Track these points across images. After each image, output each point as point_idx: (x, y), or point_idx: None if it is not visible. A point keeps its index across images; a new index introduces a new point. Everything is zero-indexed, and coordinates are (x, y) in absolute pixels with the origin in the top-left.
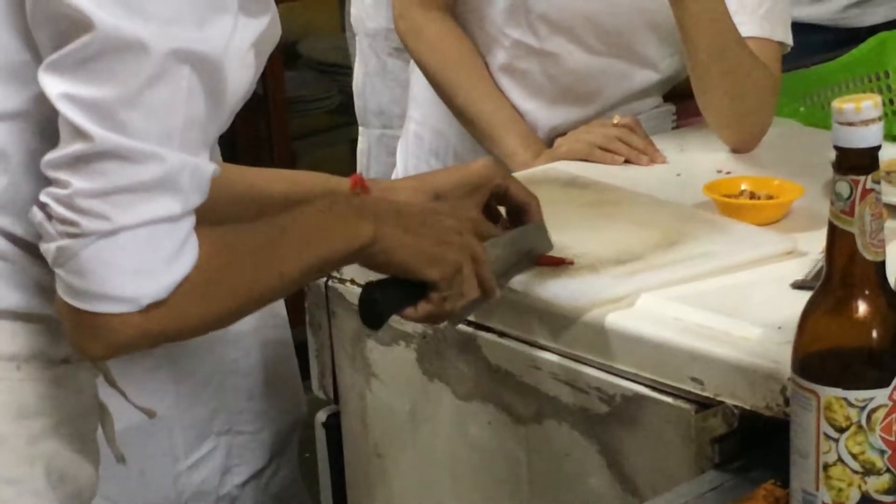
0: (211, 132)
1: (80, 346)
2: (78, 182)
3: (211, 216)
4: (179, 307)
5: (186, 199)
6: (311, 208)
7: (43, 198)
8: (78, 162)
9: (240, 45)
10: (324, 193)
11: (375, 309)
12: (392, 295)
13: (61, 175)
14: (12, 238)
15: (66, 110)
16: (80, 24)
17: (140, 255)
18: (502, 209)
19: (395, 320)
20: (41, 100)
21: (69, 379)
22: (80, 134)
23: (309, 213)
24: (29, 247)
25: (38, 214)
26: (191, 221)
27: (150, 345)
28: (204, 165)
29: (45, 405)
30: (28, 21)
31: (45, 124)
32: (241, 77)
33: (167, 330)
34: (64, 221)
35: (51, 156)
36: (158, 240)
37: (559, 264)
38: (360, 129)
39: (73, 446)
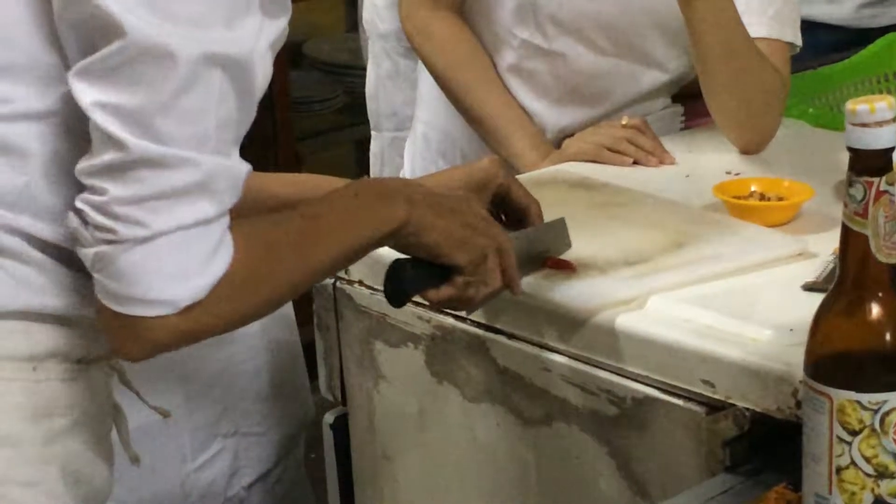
0: (241, 131)
1: (120, 347)
2: (114, 189)
3: None
4: (216, 306)
5: (221, 201)
6: (340, 195)
7: (79, 204)
8: (113, 170)
9: (260, 46)
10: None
11: (402, 285)
12: (418, 274)
13: (97, 182)
14: (31, 239)
15: (99, 118)
16: (110, 30)
17: (176, 259)
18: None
19: (403, 322)
20: (65, 101)
21: (84, 380)
22: (114, 142)
23: (339, 200)
24: (48, 248)
25: (73, 220)
26: (225, 222)
27: (187, 343)
28: (238, 166)
29: (61, 406)
30: (56, 23)
31: (67, 125)
32: (260, 78)
33: (206, 329)
34: (101, 228)
35: (84, 163)
36: (194, 243)
37: (564, 268)
38: (373, 133)
39: (88, 447)
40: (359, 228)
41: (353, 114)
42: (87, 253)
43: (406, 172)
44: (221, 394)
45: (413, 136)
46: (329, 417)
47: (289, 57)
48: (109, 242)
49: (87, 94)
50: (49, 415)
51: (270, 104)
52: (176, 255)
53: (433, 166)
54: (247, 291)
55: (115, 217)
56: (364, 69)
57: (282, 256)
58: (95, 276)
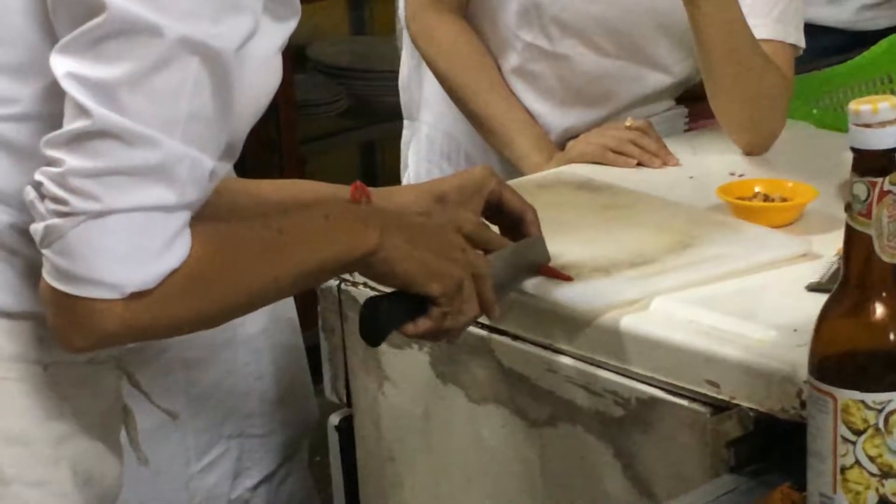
0: (219, 133)
1: (62, 335)
2: (72, 160)
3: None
4: (165, 301)
5: (182, 191)
6: (311, 212)
7: (37, 176)
8: (75, 140)
9: (265, 49)
10: (325, 200)
11: (377, 325)
12: (393, 310)
13: (57, 153)
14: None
15: (70, 88)
16: (93, 7)
17: (128, 241)
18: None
19: None
20: (59, 94)
21: (94, 380)
22: (80, 111)
23: (309, 218)
24: None
25: (30, 193)
26: (185, 215)
27: (132, 338)
28: (204, 160)
29: (71, 407)
30: (49, 11)
31: (60, 120)
32: (266, 81)
33: (151, 324)
34: (55, 199)
35: (51, 134)
36: (148, 228)
37: (560, 278)
38: (406, 122)
39: (98, 447)
40: (325, 249)
41: (357, 116)
42: (38, 227)
43: (410, 174)
44: (225, 396)
45: (417, 137)
46: (334, 419)
47: (292, 60)
48: (61, 215)
49: (63, 66)
50: (59, 415)
51: (274, 107)
52: (128, 236)
53: (437, 168)
54: (198, 292)
55: (69, 189)
56: (368, 71)
57: (240, 264)
58: (44, 252)
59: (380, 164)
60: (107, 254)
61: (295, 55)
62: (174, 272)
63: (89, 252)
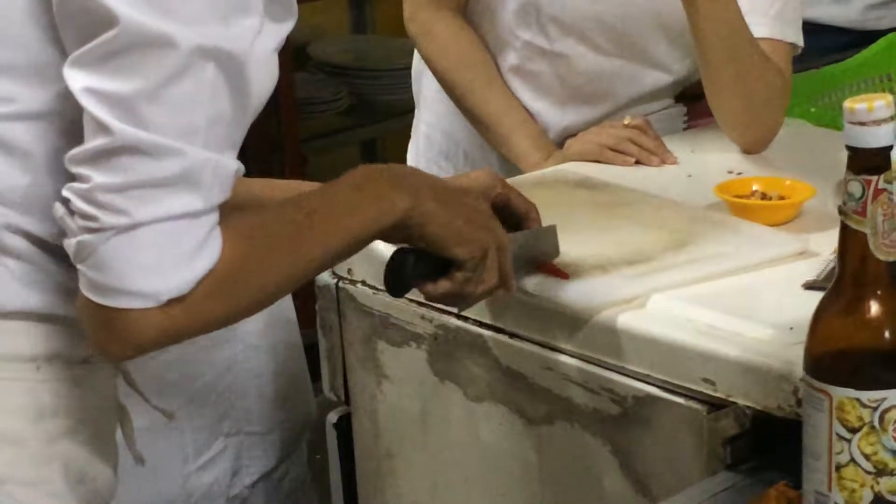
0: (237, 133)
1: (102, 345)
2: (98, 177)
3: None
4: (201, 303)
5: (208, 196)
6: (341, 185)
7: (65, 193)
8: (99, 157)
9: (264, 49)
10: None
11: (402, 277)
12: (418, 265)
13: (83, 170)
14: (33, 239)
15: (89, 104)
16: (104, 20)
17: (159, 251)
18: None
19: (405, 321)
20: (65, 98)
21: (88, 380)
22: (101, 128)
23: (338, 191)
24: (50, 248)
25: (59, 209)
26: (213, 218)
27: (172, 342)
28: (227, 162)
29: (64, 406)
30: (55, 18)
31: (69, 123)
32: (264, 81)
33: (190, 326)
34: (84, 216)
35: (74, 151)
36: (178, 236)
37: (557, 276)
38: (416, 112)
39: (91, 447)
40: (360, 221)
41: (358, 115)
42: (70, 243)
43: None
44: (223, 394)
45: (416, 136)
46: (332, 417)
47: (293, 58)
48: (92, 231)
49: (79, 81)
50: (52, 415)
51: (275, 106)
52: (159, 246)
53: (436, 167)
54: (234, 289)
55: (97, 205)
56: (369, 70)
57: (274, 252)
58: (78, 266)
59: (381, 162)
60: (140, 265)
61: (296, 54)
62: (208, 273)
63: (122, 265)
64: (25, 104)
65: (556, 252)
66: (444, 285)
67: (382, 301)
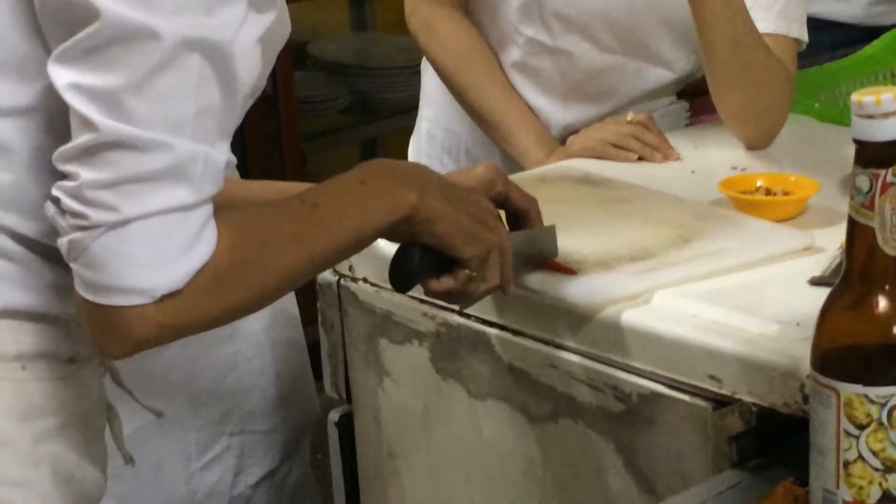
0: (228, 123)
1: (101, 343)
2: (86, 173)
3: None
4: (198, 298)
5: (199, 189)
6: (346, 179)
7: (55, 192)
8: (86, 153)
9: (246, 39)
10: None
11: (407, 273)
12: (423, 261)
13: (70, 167)
14: (17, 237)
15: (73, 101)
16: (86, 14)
17: (152, 246)
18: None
19: (408, 319)
20: (48, 95)
21: (75, 379)
22: (86, 124)
23: (344, 186)
24: (34, 245)
25: (50, 208)
26: (206, 211)
27: (170, 338)
28: (216, 154)
29: (51, 405)
30: (37, 14)
31: (51, 120)
32: (246, 72)
33: (188, 322)
34: (74, 214)
35: (61, 149)
36: (171, 230)
37: (564, 272)
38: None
39: (79, 447)
40: (365, 217)
41: (359, 113)
42: (62, 242)
43: None
44: (226, 392)
45: (417, 133)
46: (334, 415)
47: (293, 57)
48: (83, 229)
49: (63, 77)
50: (39, 415)
51: (275, 104)
52: (151, 241)
53: (438, 164)
54: (231, 283)
55: (86, 202)
56: (369, 68)
57: (275, 246)
58: (72, 265)
59: None
60: (132, 261)
61: (296, 52)
62: (204, 268)
63: (114, 261)
64: (8, 101)
65: (555, 252)
66: (447, 282)
67: (384, 299)
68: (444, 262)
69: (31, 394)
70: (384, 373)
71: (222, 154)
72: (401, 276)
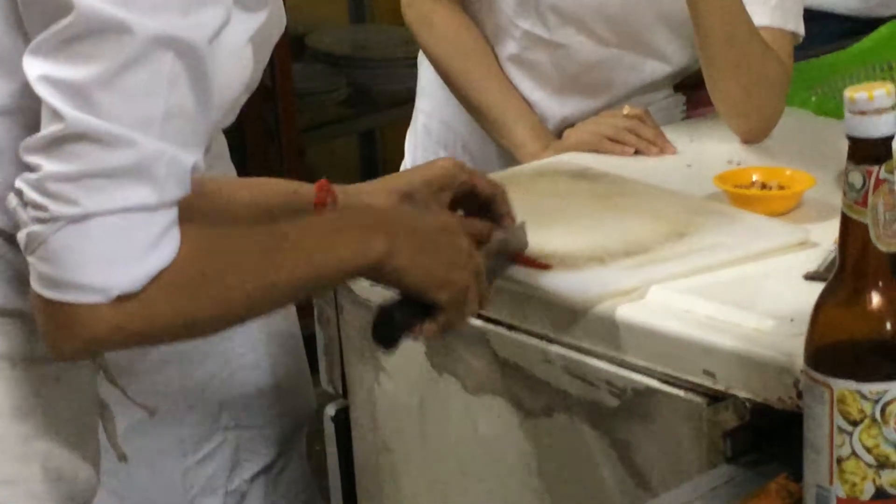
0: (200, 128)
1: (52, 341)
2: (49, 165)
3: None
4: (154, 304)
5: (162, 190)
6: (317, 218)
7: (17, 183)
8: (51, 144)
9: (235, 39)
10: (287, 196)
11: (392, 334)
12: (404, 315)
13: (35, 159)
14: (5, 235)
15: (43, 92)
16: (62, 7)
17: (111, 244)
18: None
19: None
20: (31, 92)
21: (67, 377)
22: (54, 115)
23: (314, 223)
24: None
25: (13, 200)
26: (169, 214)
27: (123, 342)
28: (182, 157)
29: (42, 404)
30: (20, 9)
31: (34, 118)
32: (235, 72)
33: (142, 327)
34: (35, 206)
35: (28, 140)
36: (131, 229)
37: (538, 267)
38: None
39: (70, 445)
40: (332, 255)
41: (357, 105)
42: (21, 235)
43: (407, 163)
44: (221, 387)
45: (414, 126)
46: (330, 410)
47: (291, 48)
48: (42, 221)
49: (35, 69)
50: (29, 413)
51: (273, 96)
52: (110, 238)
53: (434, 156)
54: (188, 293)
55: (47, 194)
56: (368, 60)
57: (234, 265)
58: (29, 259)
59: (380, 153)
60: (89, 257)
61: (294, 44)
62: (162, 273)
63: (71, 256)
64: None
65: (526, 245)
66: (429, 328)
67: (380, 293)
68: (424, 306)
69: (21, 392)
70: (380, 368)
71: (191, 158)
72: (386, 338)
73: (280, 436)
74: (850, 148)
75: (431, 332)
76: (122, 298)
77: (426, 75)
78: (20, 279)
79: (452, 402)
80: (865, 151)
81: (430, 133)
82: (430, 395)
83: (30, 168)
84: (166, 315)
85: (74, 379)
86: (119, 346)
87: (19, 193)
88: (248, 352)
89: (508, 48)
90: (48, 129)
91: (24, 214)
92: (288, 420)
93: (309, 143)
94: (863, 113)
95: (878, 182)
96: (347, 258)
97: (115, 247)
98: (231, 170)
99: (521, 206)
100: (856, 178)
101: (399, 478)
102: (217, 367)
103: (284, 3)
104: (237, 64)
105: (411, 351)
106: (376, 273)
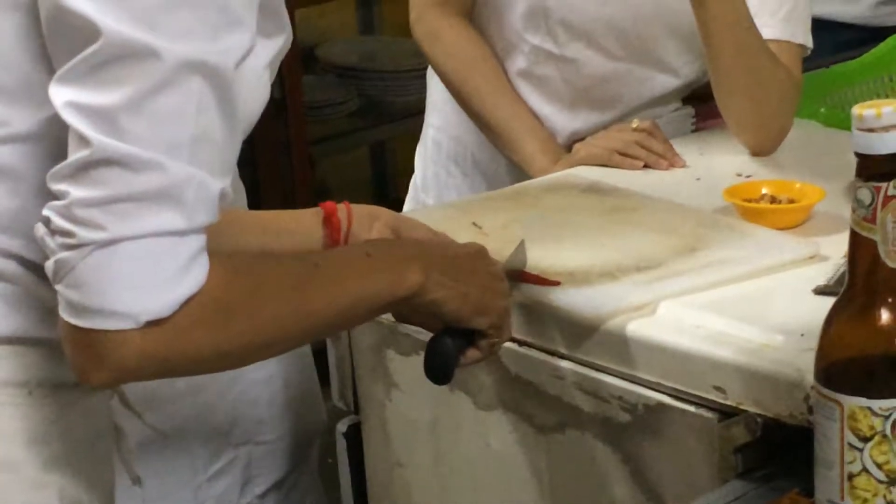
0: (228, 155)
1: (81, 371)
2: (76, 191)
3: None
4: (184, 331)
5: (191, 215)
6: (349, 249)
7: (45, 211)
8: (78, 171)
9: (256, 64)
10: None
11: (446, 365)
12: (455, 344)
13: (62, 186)
14: (23, 262)
15: (70, 118)
16: (88, 34)
17: (139, 269)
18: None
19: (414, 330)
20: (55, 121)
21: (82, 403)
22: (81, 141)
23: (347, 253)
24: (40, 271)
25: (40, 229)
26: (198, 240)
27: (153, 371)
28: (210, 183)
29: (58, 430)
30: (45, 38)
31: (59, 146)
32: (257, 96)
33: (171, 355)
34: (62, 233)
35: (55, 168)
36: (160, 254)
37: (548, 284)
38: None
39: (86, 471)
40: (365, 287)
41: (367, 116)
42: (49, 264)
43: (417, 178)
44: (233, 403)
45: (424, 141)
46: (342, 426)
47: (301, 61)
48: (70, 248)
49: (62, 96)
50: (45, 440)
51: (283, 108)
52: (139, 264)
53: (444, 172)
54: (219, 321)
55: (75, 220)
56: (377, 71)
57: (266, 294)
58: (57, 287)
59: (390, 164)
60: (118, 283)
61: (304, 56)
62: (191, 299)
63: (100, 282)
64: (15, 126)
65: (525, 263)
66: (473, 355)
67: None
68: (468, 333)
69: (37, 419)
70: (392, 384)
71: (218, 184)
72: (440, 370)
73: (292, 451)
74: (858, 165)
75: (475, 360)
76: (152, 324)
77: (436, 90)
78: (36, 307)
79: (464, 418)
80: (874, 168)
81: (441, 148)
82: (442, 411)
83: (57, 196)
84: (196, 342)
85: (89, 406)
86: (148, 376)
87: (47, 222)
88: (259, 368)
89: (517, 63)
90: (75, 155)
91: (51, 243)
92: (299, 435)
93: (319, 156)
94: (871, 130)
95: (887, 199)
96: (383, 287)
97: (144, 271)
98: (240, 188)
99: (532, 220)
100: (864, 194)
101: (411, 494)
102: (227, 383)
103: (293, 16)
104: (258, 89)
105: (422, 367)
106: (413, 304)
